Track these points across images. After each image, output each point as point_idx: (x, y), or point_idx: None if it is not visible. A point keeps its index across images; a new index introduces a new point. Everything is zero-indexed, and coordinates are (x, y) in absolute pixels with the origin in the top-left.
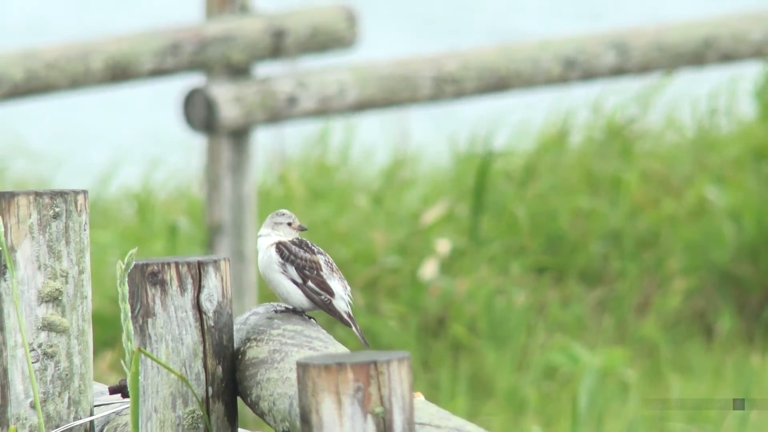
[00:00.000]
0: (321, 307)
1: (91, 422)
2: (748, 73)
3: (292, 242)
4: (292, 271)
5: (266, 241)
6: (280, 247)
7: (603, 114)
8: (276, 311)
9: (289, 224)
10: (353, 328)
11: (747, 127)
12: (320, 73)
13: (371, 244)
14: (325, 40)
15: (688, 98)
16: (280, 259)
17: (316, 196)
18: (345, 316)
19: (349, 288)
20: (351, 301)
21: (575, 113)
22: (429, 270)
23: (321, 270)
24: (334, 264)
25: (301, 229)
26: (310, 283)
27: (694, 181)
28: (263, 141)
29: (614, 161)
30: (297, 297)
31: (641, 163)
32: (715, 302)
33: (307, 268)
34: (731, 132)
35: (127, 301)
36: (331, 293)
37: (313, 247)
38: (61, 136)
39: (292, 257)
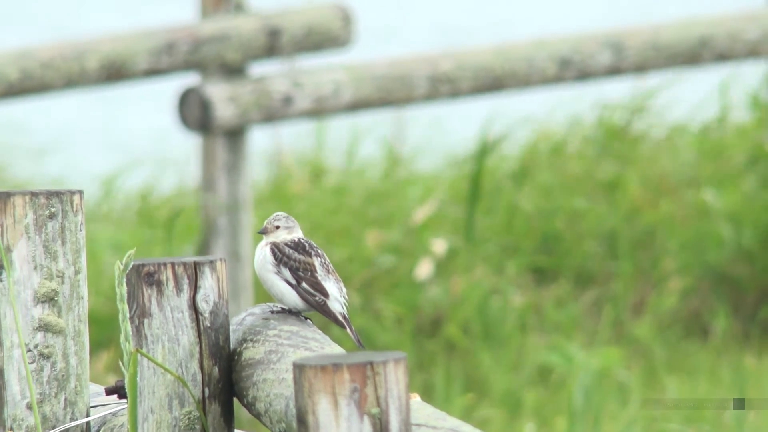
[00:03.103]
0: (315, 308)
1: (88, 423)
2: (747, 74)
3: (287, 243)
4: (286, 272)
5: (262, 243)
6: (274, 249)
7: (599, 114)
8: (272, 312)
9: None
10: (348, 330)
11: (745, 129)
12: (315, 73)
13: (367, 244)
14: (320, 40)
15: (686, 99)
16: (274, 260)
17: (312, 196)
18: (339, 318)
19: (344, 290)
20: (347, 303)
21: (571, 113)
22: (424, 270)
23: (316, 271)
24: (330, 265)
25: (263, 233)
26: (304, 285)
27: (691, 182)
28: (259, 141)
29: (610, 162)
30: (291, 298)
31: (637, 163)
32: (711, 303)
33: (301, 270)
34: (729, 134)
35: (126, 301)
36: (325, 294)
37: (309, 249)
38: (57, 136)
39: (285, 259)
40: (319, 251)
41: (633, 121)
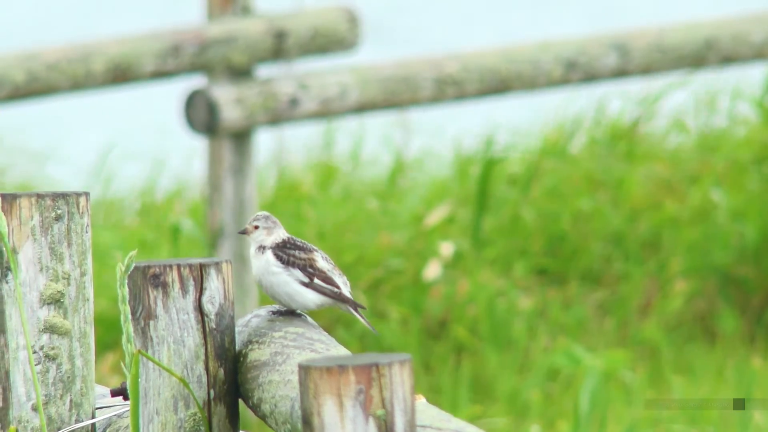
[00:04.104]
0: (334, 297)
1: (93, 425)
2: (752, 75)
3: (286, 245)
4: (297, 272)
5: (258, 250)
6: (277, 253)
7: (606, 116)
8: (273, 313)
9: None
10: (361, 317)
11: (751, 130)
12: (321, 75)
13: (375, 247)
14: (327, 42)
15: (692, 100)
16: (281, 263)
17: (319, 198)
18: (356, 303)
19: (348, 282)
20: (351, 292)
21: (578, 115)
22: (432, 272)
23: (321, 266)
24: (329, 258)
25: (240, 233)
26: (316, 280)
27: (697, 184)
28: (265, 143)
29: (617, 163)
30: (305, 296)
31: (644, 165)
32: (717, 304)
33: (308, 267)
34: (735, 134)
35: (127, 303)
36: (337, 286)
37: (305, 246)
38: (63, 138)
39: (292, 259)
40: (313, 246)
41: (639, 122)
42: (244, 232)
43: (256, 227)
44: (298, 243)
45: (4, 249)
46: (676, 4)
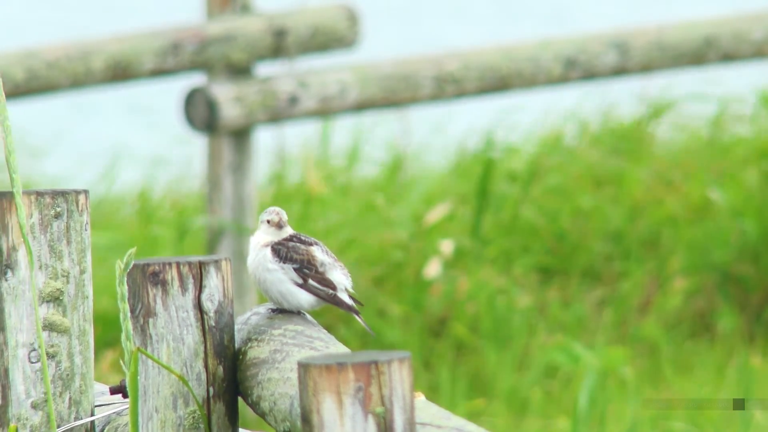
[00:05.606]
0: (327, 300)
1: (92, 422)
2: (753, 74)
3: (285, 240)
4: (292, 272)
5: (254, 241)
6: (275, 248)
7: (607, 114)
8: (275, 310)
9: (268, 222)
10: (358, 318)
11: (752, 128)
12: (321, 73)
13: (375, 244)
14: (326, 40)
15: (694, 99)
16: (277, 259)
17: (319, 196)
18: (351, 306)
19: (350, 275)
20: (352, 287)
21: (578, 113)
22: (432, 270)
23: (318, 263)
24: (330, 251)
25: (279, 226)
26: (311, 282)
27: (697, 182)
28: (265, 141)
29: (617, 161)
30: (298, 298)
31: (644, 163)
32: (716, 302)
33: (305, 267)
34: (736, 133)
35: (126, 300)
36: (333, 287)
37: (306, 239)
38: (63, 136)
39: (291, 254)
40: (315, 240)
41: (643, 121)
42: (279, 226)
43: (286, 222)
44: (303, 237)
45: (3, 247)
46: (676, 2)
